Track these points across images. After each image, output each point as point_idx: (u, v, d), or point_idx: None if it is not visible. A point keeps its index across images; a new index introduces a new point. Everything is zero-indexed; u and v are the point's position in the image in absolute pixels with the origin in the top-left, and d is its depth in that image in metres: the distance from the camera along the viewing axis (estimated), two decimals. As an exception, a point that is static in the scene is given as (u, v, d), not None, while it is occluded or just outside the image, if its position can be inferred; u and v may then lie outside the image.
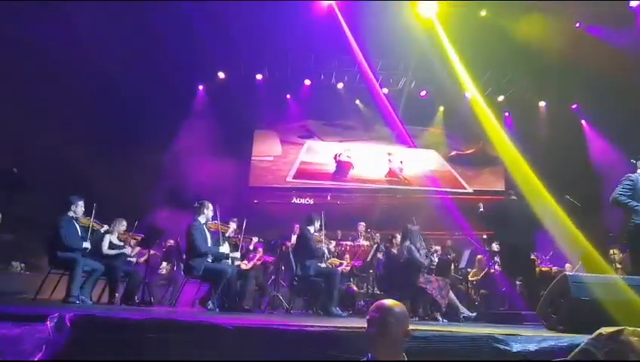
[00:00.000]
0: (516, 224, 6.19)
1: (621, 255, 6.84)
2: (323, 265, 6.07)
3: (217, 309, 5.57)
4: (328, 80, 11.84)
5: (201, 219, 5.86)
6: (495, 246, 8.46)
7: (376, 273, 7.18)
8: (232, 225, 6.56)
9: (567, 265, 7.61)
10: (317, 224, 6.20)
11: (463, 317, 5.78)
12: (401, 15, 9.23)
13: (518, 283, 6.85)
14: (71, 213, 5.65)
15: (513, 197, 6.70)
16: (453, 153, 12.74)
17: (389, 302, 2.28)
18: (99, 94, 9.40)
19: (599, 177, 9.27)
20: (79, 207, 5.71)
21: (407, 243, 5.92)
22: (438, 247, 8.95)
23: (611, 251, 6.90)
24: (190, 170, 10.31)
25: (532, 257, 6.89)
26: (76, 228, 5.67)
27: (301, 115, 12.32)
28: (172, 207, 9.05)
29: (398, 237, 6.59)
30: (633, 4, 8.85)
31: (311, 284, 5.84)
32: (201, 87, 11.76)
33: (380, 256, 7.46)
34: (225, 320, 2.89)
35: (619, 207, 4.57)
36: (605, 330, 2.66)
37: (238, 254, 6.62)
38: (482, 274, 7.72)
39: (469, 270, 7.63)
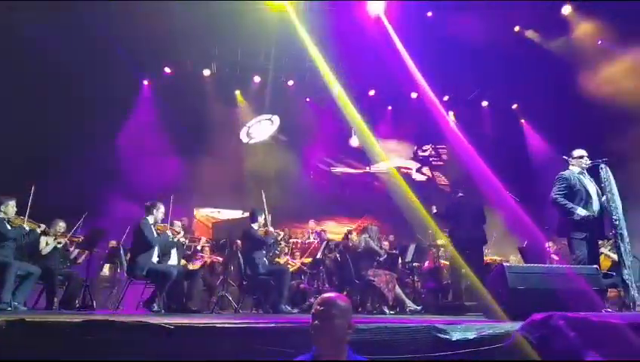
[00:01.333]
0: (467, 220, 6.43)
1: (556, 247, 7.27)
2: (281, 260, 6.06)
3: (163, 311, 5.41)
4: (279, 77, 11.76)
5: (150, 219, 5.68)
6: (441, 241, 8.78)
7: (327, 269, 7.24)
8: (177, 224, 6.37)
9: (512, 257, 8.01)
10: (261, 219, 6.15)
11: (410, 310, 5.94)
12: (351, 15, 9.34)
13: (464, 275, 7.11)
14: (1, 214, 5.31)
15: (460, 195, 6.94)
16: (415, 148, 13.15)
17: (333, 295, 2.31)
18: (39, 91, 8.89)
19: (536, 173, 9.84)
20: (10, 207, 5.37)
21: (366, 235, 6.05)
22: (386, 242, 9.15)
23: (547, 244, 7.32)
24: (135, 167, 9.96)
25: (482, 250, 7.20)
26: (6, 229, 5.32)
27: (251, 112, 12.17)
28: (116, 206, 8.73)
29: (354, 233, 6.74)
30: (565, 11, 9.42)
31: (260, 283, 5.80)
32: (146, 82, 11.35)
33: (328, 252, 7.53)
34: (166, 320, 2.81)
35: (557, 207, 4.80)
36: (537, 316, 2.82)
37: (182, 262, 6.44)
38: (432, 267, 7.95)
39: (415, 264, 7.84)
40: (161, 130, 10.85)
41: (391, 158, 13.55)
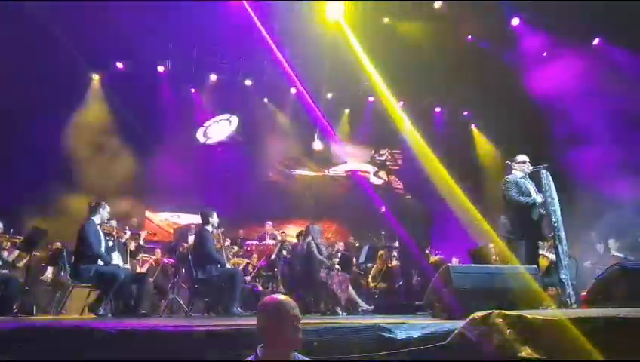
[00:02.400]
0: (413, 221, 6.59)
1: (499, 248, 7.55)
2: (233, 262, 5.96)
3: (110, 315, 5.22)
4: (235, 76, 11.61)
5: (96, 219, 5.45)
6: (395, 243, 8.95)
7: (281, 271, 7.22)
8: (128, 232, 6.15)
9: (454, 258, 8.27)
10: (213, 220, 6.04)
11: (362, 310, 6.02)
12: (310, 16, 9.37)
13: (415, 276, 7.29)
14: None
15: (407, 197, 7.12)
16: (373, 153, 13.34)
17: (278, 296, 2.31)
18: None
19: (484, 177, 10.25)
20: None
21: (309, 238, 6.04)
22: (341, 243, 9.25)
23: (490, 244, 7.59)
24: (86, 166, 9.59)
25: (426, 251, 7.39)
26: None
27: (206, 110, 11.94)
28: (65, 206, 8.37)
29: (301, 237, 6.74)
30: (514, 22, 9.86)
31: (212, 285, 5.69)
32: (96, 78, 10.90)
33: (284, 253, 7.52)
34: (110, 325, 2.72)
35: (519, 205, 4.96)
36: (477, 315, 2.93)
37: (128, 266, 6.23)
38: (383, 268, 8.09)
39: (368, 265, 7.96)
40: (113, 128, 10.49)
41: (349, 162, 13.72)
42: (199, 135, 12.47)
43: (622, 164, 7.99)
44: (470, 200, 7.33)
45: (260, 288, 7.43)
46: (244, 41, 9.90)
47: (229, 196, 10.74)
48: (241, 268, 7.83)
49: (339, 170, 13.60)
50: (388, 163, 13.81)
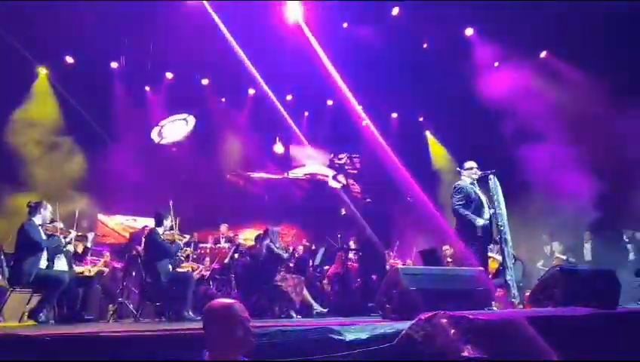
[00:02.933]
0: (372, 223, 6.68)
1: (452, 250, 7.80)
2: (186, 266, 5.82)
3: (52, 321, 4.98)
4: (192, 75, 11.38)
5: (37, 219, 5.19)
6: (352, 244, 9.04)
7: (236, 274, 7.12)
8: (73, 233, 5.88)
9: (408, 260, 8.45)
10: (167, 222, 5.90)
11: (316, 312, 6.03)
12: (270, 17, 9.33)
13: (373, 277, 7.38)
14: None
15: (368, 200, 7.22)
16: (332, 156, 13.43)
17: (227, 300, 2.27)
18: None
19: (438, 181, 10.55)
20: None
21: (267, 241, 6.01)
22: (300, 247, 9.24)
23: (444, 247, 7.83)
24: (30, 163, 9.12)
25: (385, 254, 7.51)
26: None
27: (161, 109, 11.62)
28: (6, 206, 7.94)
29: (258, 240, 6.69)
30: (468, 32, 10.21)
31: (162, 289, 5.54)
32: (43, 71, 10.38)
33: (240, 256, 7.42)
34: (50, 331, 2.59)
35: (458, 216, 5.14)
36: (424, 315, 3.00)
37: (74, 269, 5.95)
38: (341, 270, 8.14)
39: (325, 267, 7.99)
40: (63, 125, 10.02)
41: (308, 165, 13.75)
42: (154, 135, 12.13)
43: (569, 165, 8.48)
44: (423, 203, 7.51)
45: (214, 292, 7.29)
46: (201, 39, 9.71)
47: (184, 198, 10.50)
48: (195, 273, 7.68)
49: (298, 173, 13.60)
50: (347, 167, 13.94)
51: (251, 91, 11.81)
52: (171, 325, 3.70)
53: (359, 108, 12.40)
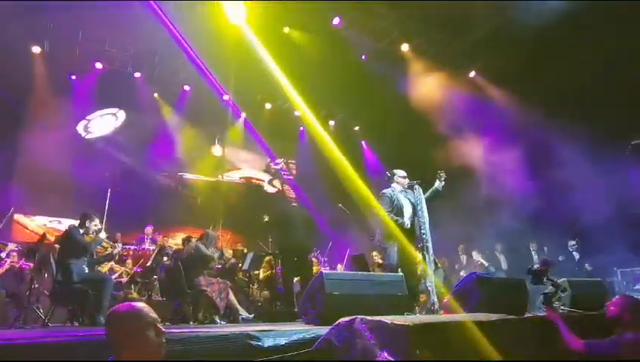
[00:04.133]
0: (297, 229, 6.65)
1: (379, 256, 7.99)
2: (104, 267, 5.45)
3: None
4: (125, 67, 10.82)
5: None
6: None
7: (159, 278, 6.82)
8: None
9: (339, 265, 8.55)
10: (92, 224, 5.52)
11: (242, 318, 5.91)
12: (211, 16, 9.10)
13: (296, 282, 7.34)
14: None
15: (294, 204, 7.20)
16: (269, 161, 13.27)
17: (132, 302, 2.15)
18: None
19: (371, 189, 10.79)
20: None
21: (197, 242, 5.84)
22: (230, 251, 9.05)
23: (373, 253, 8.02)
24: None
25: (311, 258, 7.52)
26: None
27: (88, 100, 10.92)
28: None
29: (193, 240, 6.46)
30: (404, 47, 10.58)
31: (75, 292, 5.15)
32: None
33: (165, 259, 7.13)
34: None
35: (385, 223, 5.30)
36: (343, 320, 3.02)
37: None
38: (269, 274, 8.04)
39: (256, 272, 7.87)
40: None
41: (244, 169, 13.53)
42: (80, 128, 11.39)
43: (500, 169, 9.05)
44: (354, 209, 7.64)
45: (135, 295, 6.94)
46: (136, 29, 9.26)
47: (111, 197, 9.94)
48: (116, 275, 7.27)
49: (233, 176, 13.35)
50: (283, 172, 13.86)
51: (187, 88, 11.42)
52: (84, 331, 3.43)
53: (298, 114, 12.46)
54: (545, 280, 3.46)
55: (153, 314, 2.05)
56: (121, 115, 11.71)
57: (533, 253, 8.48)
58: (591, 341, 3.16)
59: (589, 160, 8.05)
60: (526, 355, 3.22)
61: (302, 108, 10.00)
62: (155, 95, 11.52)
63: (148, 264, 6.75)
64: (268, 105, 11.97)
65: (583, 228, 8.60)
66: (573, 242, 8.64)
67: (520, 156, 8.98)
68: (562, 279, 4.80)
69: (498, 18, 9.02)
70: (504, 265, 8.89)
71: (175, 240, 9.52)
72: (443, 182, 5.43)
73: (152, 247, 7.79)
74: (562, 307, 4.59)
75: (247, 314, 6.05)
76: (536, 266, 4.24)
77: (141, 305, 2.07)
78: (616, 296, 3.86)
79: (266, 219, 6.89)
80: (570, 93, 8.76)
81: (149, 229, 8.44)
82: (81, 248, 5.32)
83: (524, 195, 8.60)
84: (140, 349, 1.98)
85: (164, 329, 2.04)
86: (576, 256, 8.56)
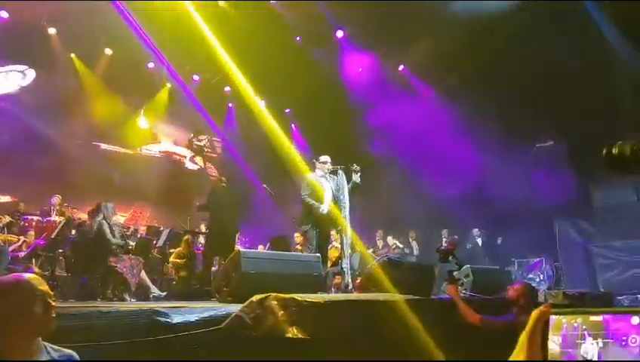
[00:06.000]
0: (225, 209, 6.54)
1: (301, 238, 8.09)
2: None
3: None
4: (37, 20, 9.77)
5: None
6: (203, 228, 8.79)
7: (65, 252, 6.38)
8: None
9: (260, 246, 8.55)
10: None
11: (153, 296, 5.71)
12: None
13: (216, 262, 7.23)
14: None
15: (223, 185, 7.04)
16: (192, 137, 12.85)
17: (17, 274, 1.94)
18: None
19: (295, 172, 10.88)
20: None
21: (100, 218, 5.48)
22: (143, 227, 8.68)
23: (295, 234, 8.09)
24: None
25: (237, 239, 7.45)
26: None
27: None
28: None
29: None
30: (339, 34, 10.65)
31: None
32: None
33: (73, 232, 6.66)
34: None
35: (304, 205, 5.41)
36: (256, 298, 3.02)
37: None
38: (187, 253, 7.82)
39: (171, 251, 7.63)
40: None
41: (164, 142, 12.96)
42: (-23, 83, 10.21)
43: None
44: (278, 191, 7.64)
45: (36, 270, 6.42)
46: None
47: (13, 164, 9.06)
48: (14, 247, 6.68)
49: (153, 150, 12.72)
50: (206, 149, 13.49)
51: (108, 51, 10.62)
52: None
53: (226, 90, 12.11)
54: (450, 258, 3.72)
55: (43, 287, 1.86)
56: (31, 73, 10.65)
57: (444, 239, 9.07)
58: (486, 316, 3.45)
59: (500, 158, 8.75)
60: (427, 330, 3.44)
61: (235, 84, 9.62)
62: (72, 55, 10.57)
63: (52, 236, 6.25)
64: (196, 77, 11.47)
65: (490, 219, 9.39)
66: (477, 230, 9.39)
67: (438, 148, 9.51)
68: (466, 266, 5.18)
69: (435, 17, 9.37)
70: (416, 251, 9.41)
71: (85, 214, 8.94)
72: (359, 175, 5.56)
73: (58, 219, 7.23)
74: (464, 291, 4.95)
75: (159, 292, 5.86)
76: (444, 246, 4.57)
77: (28, 275, 1.88)
78: (517, 282, 4.27)
79: (197, 204, 6.70)
80: (492, 95, 9.46)
81: (56, 200, 7.82)
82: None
83: (439, 184, 9.17)
84: (22, 326, 1.76)
85: (53, 304, 1.87)
86: (480, 243, 9.34)
